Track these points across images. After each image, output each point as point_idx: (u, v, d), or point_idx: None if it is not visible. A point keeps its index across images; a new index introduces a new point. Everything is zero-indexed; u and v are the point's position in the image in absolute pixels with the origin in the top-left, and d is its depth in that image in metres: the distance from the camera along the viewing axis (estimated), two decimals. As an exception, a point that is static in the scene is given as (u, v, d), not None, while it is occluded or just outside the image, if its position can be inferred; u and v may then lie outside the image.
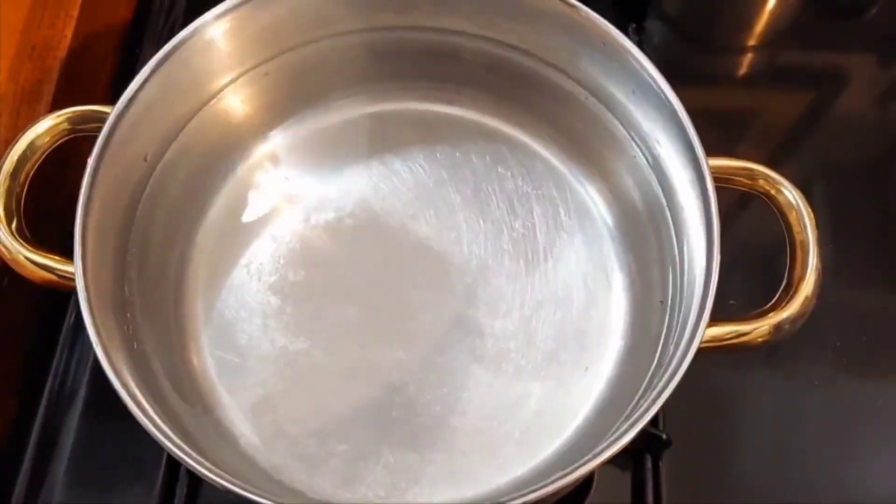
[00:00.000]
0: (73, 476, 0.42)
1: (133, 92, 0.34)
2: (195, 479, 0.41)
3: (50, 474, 0.42)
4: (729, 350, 0.33)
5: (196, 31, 0.36)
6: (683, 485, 0.42)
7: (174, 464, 0.42)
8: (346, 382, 0.39)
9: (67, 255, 0.34)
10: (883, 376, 0.44)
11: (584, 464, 0.30)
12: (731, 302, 0.35)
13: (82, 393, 0.44)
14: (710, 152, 0.33)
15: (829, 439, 0.42)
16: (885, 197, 0.48)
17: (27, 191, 0.37)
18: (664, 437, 0.41)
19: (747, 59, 0.56)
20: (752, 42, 0.56)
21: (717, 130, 0.33)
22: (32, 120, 0.36)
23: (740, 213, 0.44)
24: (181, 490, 0.41)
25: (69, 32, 0.47)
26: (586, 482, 0.42)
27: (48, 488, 0.41)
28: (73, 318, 0.46)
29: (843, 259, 0.45)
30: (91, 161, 0.33)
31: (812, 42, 0.53)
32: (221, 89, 0.39)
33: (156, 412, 0.31)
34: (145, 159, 0.37)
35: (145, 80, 0.34)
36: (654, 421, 0.42)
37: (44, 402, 0.44)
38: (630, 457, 0.42)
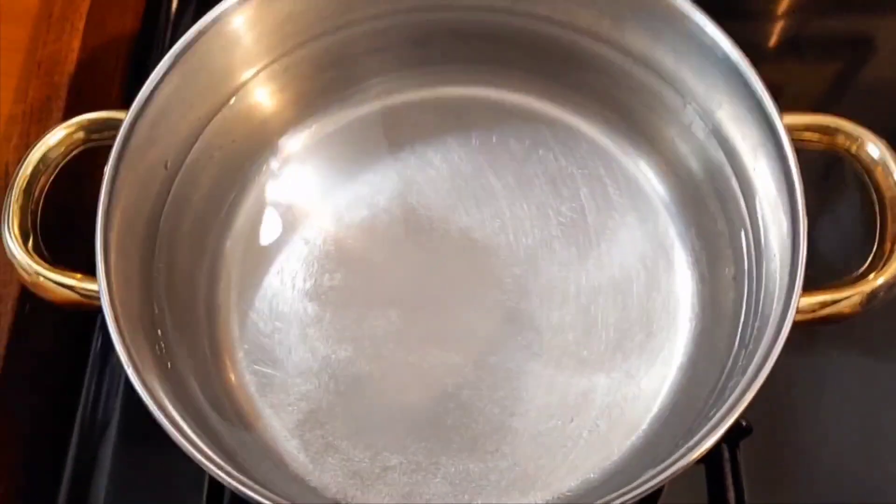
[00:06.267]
0: (110, 510, 0.39)
1: (149, 92, 0.32)
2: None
3: (87, 510, 0.40)
4: (818, 323, 0.30)
5: (218, 18, 0.33)
6: (763, 477, 0.38)
7: (215, 493, 0.39)
8: (395, 391, 0.36)
9: (89, 273, 0.31)
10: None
11: (667, 467, 0.27)
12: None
13: (115, 423, 0.41)
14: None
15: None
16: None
17: (43, 209, 0.34)
18: (744, 423, 0.37)
19: (777, 28, 0.53)
20: (781, 10, 0.53)
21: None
22: (44, 139, 0.33)
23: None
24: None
25: (76, 45, 0.45)
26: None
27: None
28: (98, 344, 0.44)
29: None
30: (108, 170, 0.31)
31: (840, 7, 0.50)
32: (242, 85, 0.37)
33: (194, 432, 0.28)
34: (166, 167, 0.35)
35: (162, 78, 0.32)
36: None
37: (75, 434, 0.42)
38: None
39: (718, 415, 0.27)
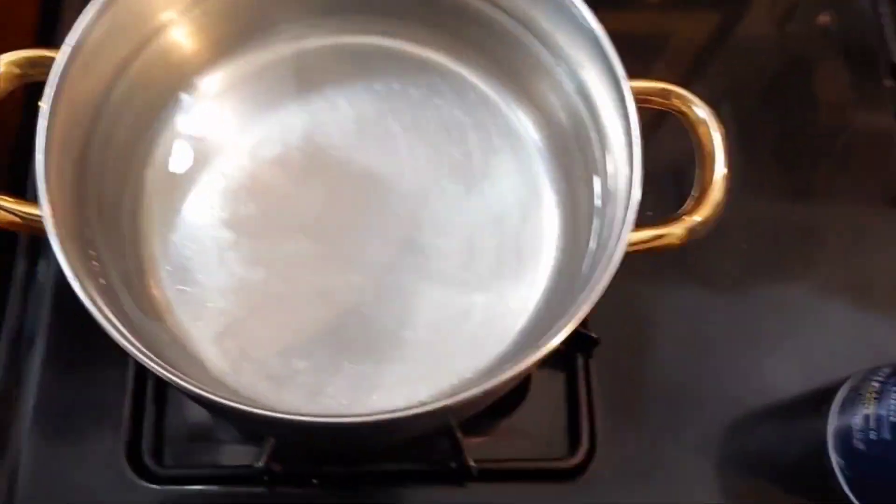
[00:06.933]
0: (37, 425, 0.43)
1: (83, 29, 0.35)
2: (160, 418, 0.44)
3: (13, 425, 0.43)
4: (649, 252, 0.37)
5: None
6: (611, 379, 0.46)
7: (139, 403, 0.44)
8: (303, 307, 0.41)
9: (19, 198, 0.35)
10: (785, 276, 0.50)
11: (522, 361, 0.33)
12: (649, 213, 0.39)
13: (40, 342, 0.45)
14: (628, 74, 0.36)
15: (737, 334, 0.47)
16: (785, 112, 0.53)
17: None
18: (594, 335, 0.45)
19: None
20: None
21: (631, 53, 0.37)
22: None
23: (657, 130, 0.48)
24: (148, 429, 0.43)
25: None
26: (524, 382, 0.47)
27: (13, 440, 0.43)
28: (21, 268, 0.47)
29: (750, 170, 0.50)
30: (46, 105, 0.34)
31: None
32: (162, 27, 0.40)
33: (132, 335, 0.33)
34: (95, 103, 0.38)
35: (93, 19, 0.35)
36: (583, 323, 0.46)
37: (2, 349, 0.45)
38: (563, 358, 0.46)
39: (561, 322, 0.33)
